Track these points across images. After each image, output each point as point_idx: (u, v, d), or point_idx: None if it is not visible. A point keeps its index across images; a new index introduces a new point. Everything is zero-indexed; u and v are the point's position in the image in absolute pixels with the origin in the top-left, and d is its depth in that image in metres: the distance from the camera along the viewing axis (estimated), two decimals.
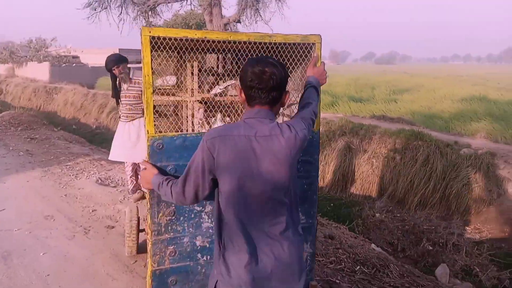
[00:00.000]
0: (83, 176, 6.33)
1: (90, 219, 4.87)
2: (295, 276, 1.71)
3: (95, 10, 10.63)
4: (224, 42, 1.96)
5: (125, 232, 4.07)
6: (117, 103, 5.22)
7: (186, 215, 2.05)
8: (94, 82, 23.70)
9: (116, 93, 5.04)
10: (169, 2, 10.73)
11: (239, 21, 10.55)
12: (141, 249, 3.95)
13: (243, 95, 1.69)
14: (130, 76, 4.85)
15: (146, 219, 2.22)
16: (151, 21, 11.09)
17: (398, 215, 7.81)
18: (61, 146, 8.65)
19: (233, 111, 2.70)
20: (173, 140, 1.95)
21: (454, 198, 7.23)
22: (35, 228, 4.53)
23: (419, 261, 6.26)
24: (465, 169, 7.18)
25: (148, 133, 1.91)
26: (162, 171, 1.91)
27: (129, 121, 4.98)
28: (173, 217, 2.02)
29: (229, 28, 10.63)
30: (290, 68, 2.19)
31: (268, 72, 1.63)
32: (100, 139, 12.60)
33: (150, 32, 1.82)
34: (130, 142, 4.99)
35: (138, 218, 3.88)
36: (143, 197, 5.33)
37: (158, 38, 1.85)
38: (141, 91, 4.83)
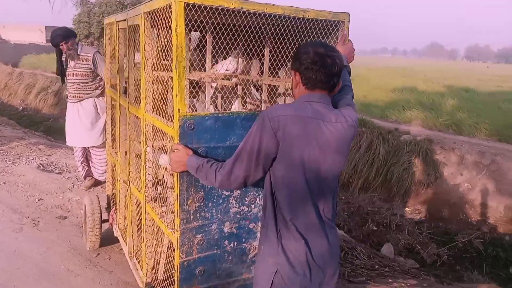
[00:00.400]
0: (21, 162, 5.68)
1: (37, 209, 4.37)
2: (338, 259, 1.74)
3: None
4: (254, 14, 1.82)
5: (86, 225, 3.73)
6: (62, 81, 4.76)
7: (214, 200, 1.91)
8: (18, 61, 21.49)
9: (62, 71, 4.59)
10: None
11: None
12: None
13: (298, 77, 1.61)
14: (78, 52, 4.43)
15: (167, 207, 2.02)
16: None
17: (343, 198, 8.14)
18: None
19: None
20: (205, 120, 1.79)
21: (396, 181, 7.73)
22: None
23: (365, 241, 6.62)
24: (406, 154, 7.70)
25: (179, 112, 1.72)
26: (195, 153, 1.76)
27: (77, 101, 4.59)
28: (202, 204, 1.87)
29: None
30: None
31: (332, 56, 1.58)
32: (28, 121, 11.41)
33: None
34: (82, 125, 4.58)
35: (100, 209, 3.57)
36: (94, 184, 4.94)
37: (193, 6, 1.65)
38: (91, 68, 4.46)
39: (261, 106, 2.51)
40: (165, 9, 1.80)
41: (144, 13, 2.13)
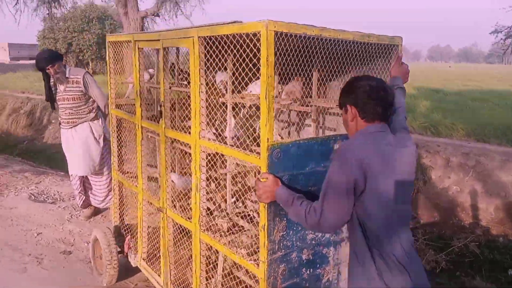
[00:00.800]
0: (9, 193, 5.27)
1: (38, 244, 4.05)
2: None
3: None
4: (327, 40, 1.82)
5: (95, 260, 3.54)
6: (53, 107, 4.48)
7: (294, 228, 1.87)
8: None
9: (51, 96, 4.31)
10: None
11: (157, 15, 9.95)
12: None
13: (354, 110, 1.67)
14: (67, 75, 4.17)
15: (250, 238, 1.95)
16: (54, 13, 9.79)
17: None
18: None
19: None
20: (289, 148, 1.75)
21: None
22: None
23: None
24: None
25: (267, 141, 1.67)
26: (282, 183, 1.73)
27: (71, 127, 4.31)
28: (285, 232, 1.82)
29: (146, 22, 9.99)
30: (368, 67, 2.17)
31: (384, 88, 1.66)
32: (1, 144, 10.61)
33: (275, 26, 1.59)
34: (78, 153, 4.31)
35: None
36: (94, 213, 4.68)
37: (281, 34, 1.63)
38: (82, 91, 4.22)
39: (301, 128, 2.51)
40: (233, 36, 1.76)
41: (199, 37, 2.07)
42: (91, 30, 23.62)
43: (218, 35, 1.98)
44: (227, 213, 2.44)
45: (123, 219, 3.81)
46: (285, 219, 1.82)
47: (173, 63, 3.33)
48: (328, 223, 1.57)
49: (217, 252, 2.50)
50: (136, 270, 3.44)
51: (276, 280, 1.81)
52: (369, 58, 2.11)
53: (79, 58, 23.23)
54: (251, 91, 2.60)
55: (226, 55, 2.16)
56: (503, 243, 5.55)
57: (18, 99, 13.36)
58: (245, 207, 2.61)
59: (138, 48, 2.88)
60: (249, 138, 2.68)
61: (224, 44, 2.10)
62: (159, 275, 2.98)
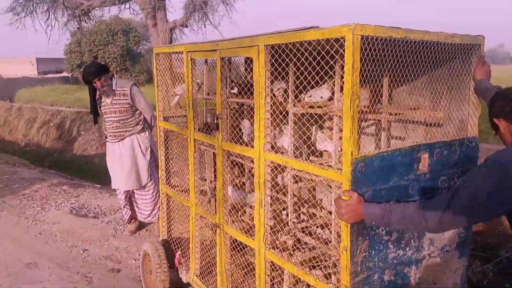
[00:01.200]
0: (50, 207, 5.30)
1: (85, 262, 4.00)
2: None
3: (18, 15, 9.21)
4: (411, 42, 1.69)
5: (146, 276, 3.46)
6: (95, 121, 4.45)
7: (376, 247, 1.73)
8: (12, 95, 21.01)
9: (95, 110, 4.28)
10: (106, 6, 9.74)
11: (186, 26, 10.01)
12: None
13: (504, 123, 1.60)
14: (114, 87, 4.14)
15: (332, 260, 1.82)
16: (84, 27, 9.99)
17: None
18: (6, 171, 7.22)
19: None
20: (373, 161, 1.62)
21: None
22: (18, 282, 3.59)
23: None
24: None
25: (351, 155, 1.55)
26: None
27: (118, 141, 4.25)
28: (367, 253, 1.68)
29: (175, 33, 10.05)
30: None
31: None
32: (31, 156, 10.90)
33: (361, 30, 1.47)
34: (125, 166, 4.25)
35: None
36: (138, 228, 4.64)
37: (366, 38, 1.51)
38: (129, 103, 4.19)
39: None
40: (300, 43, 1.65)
41: (265, 45, 1.98)
42: (115, 42, 24.22)
43: (283, 43, 1.89)
44: (290, 229, 2.32)
45: (171, 234, 3.75)
46: (367, 238, 1.68)
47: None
48: (447, 226, 1.52)
49: (280, 269, 2.38)
50: (184, 286, 3.35)
51: None
52: (445, 60, 1.96)
53: None
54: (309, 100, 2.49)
55: (286, 63, 2.06)
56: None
57: (48, 112, 13.72)
58: (308, 221, 2.48)
59: (191, 59, 2.81)
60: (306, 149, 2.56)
61: (282, 53, 2.00)
62: None
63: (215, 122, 2.57)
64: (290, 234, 2.36)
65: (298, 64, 1.93)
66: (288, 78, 2.07)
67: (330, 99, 2.46)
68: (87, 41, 21.76)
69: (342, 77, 1.74)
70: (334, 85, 1.99)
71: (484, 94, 1.95)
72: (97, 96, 4.22)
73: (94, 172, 10.19)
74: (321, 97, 2.46)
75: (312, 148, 2.35)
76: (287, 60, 2.07)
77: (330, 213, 2.74)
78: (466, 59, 2.02)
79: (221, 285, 2.78)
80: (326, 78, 2.05)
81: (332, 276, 1.81)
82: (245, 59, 3.13)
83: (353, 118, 1.53)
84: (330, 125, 2.62)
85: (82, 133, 12.11)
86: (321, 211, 2.42)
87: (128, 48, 25.32)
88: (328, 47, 1.78)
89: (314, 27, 1.69)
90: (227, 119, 2.52)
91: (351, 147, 1.55)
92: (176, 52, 3.22)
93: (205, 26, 10.17)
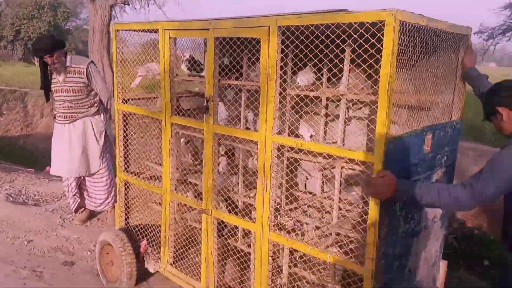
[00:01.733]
0: None
1: (31, 255, 3.58)
2: None
3: None
4: (427, 30, 1.81)
5: (114, 265, 3.25)
6: (47, 98, 4.01)
7: (394, 223, 1.85)
8: None
9: (47, 85, 3.85)
10: None
11: (128, 3, 9.31)
12: None
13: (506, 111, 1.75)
14: (67, 64, 3.75)
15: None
16: None
17: None
18: None
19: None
20: (402, 141, 1.73)
21: None
22: None
23: None
24: None
25: (386, 136, 1.62)
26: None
27: (69, 122, 3.86)
28: (387, 228, 1.80)
29: (114, 11, 9.33)
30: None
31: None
32: None
33: (401, 16, 1.53)
34: (77, 151, 3.87)
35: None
36: (89, 216, 4.27)
37: (403, 24, 1.57)
38: (84, 82, 3.82)
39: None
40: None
41: (278, 26, 1.95)
42: (42, 17, 22.86)
43: (298, 26, 1.88)
44: (289, 210, 2.36)
45: (128, 222, 3.55)
46: (387, 215, 1.80)
47: (190, 55, 3.14)
48: (478, 201, 1.68)
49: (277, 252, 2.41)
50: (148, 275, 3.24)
51: (378, 276, 1.79)
52: (445, 47, 2.12)
53: (28, 46, 22.08)
54: (298, 83, 2.53)
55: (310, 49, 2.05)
56: (477, 235, 5.90)
57: None
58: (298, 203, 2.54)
59: (170, 37, 2.64)
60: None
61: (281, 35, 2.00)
62: (196, 280, 2.81)
63: (205, 105, 2.48)
64: (289, 215, 2.41)
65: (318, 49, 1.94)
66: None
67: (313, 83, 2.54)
68: (9, 13, 19.46)
69: (364, 61, 1.80)
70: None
71: (473, 80, 2.17)
72: (48, 71, 3.78)
73: (20, 155, 9.05)
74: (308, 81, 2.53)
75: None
76: (287, 42, 2.09)
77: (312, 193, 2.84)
78: (456, 48, 2.21)
79: (205, 271, 2.72)
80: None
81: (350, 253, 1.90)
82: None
83: (389, 101, 1.60)
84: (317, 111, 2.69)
85: (4, 112, 10.64)
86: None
87: (56, 24, 23.89)
88: (339, 31, 1.82)
89: (343, 10, 1.71)
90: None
91: (386, 129, 1.62)
92: (142, 30, 3.01)
93: (148, 6, 9.57)
